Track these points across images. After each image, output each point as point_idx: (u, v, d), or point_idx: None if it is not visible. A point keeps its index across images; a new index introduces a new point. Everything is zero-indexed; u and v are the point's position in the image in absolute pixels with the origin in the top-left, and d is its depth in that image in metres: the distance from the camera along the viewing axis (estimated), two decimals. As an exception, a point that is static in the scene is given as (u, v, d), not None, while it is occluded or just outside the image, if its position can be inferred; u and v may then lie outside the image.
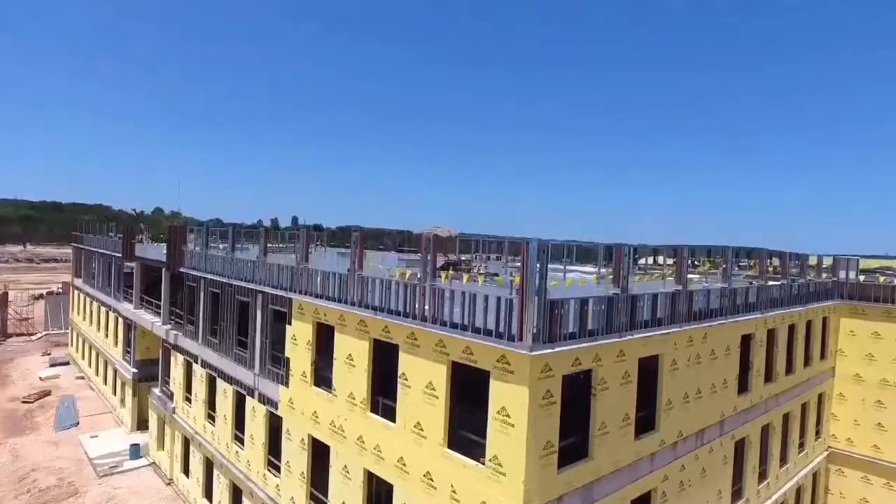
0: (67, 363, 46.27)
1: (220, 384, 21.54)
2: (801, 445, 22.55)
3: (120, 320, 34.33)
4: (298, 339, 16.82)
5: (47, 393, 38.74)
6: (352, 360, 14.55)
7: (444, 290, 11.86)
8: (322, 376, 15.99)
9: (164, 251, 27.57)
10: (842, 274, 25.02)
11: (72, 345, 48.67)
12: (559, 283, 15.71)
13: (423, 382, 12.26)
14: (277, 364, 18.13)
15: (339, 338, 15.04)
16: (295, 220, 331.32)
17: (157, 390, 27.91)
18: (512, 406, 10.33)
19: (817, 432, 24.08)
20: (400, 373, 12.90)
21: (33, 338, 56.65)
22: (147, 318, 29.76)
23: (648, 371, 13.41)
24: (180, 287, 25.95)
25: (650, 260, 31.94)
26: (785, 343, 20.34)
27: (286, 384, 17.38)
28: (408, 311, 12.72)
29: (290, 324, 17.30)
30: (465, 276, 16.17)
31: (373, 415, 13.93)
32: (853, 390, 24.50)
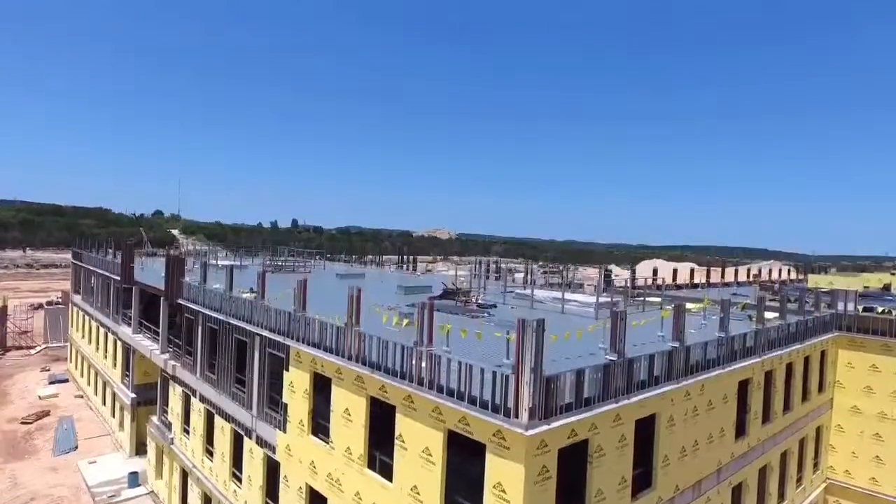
0: (66, 380, 46.26)
1: (218, 420, 21.55)
2: (800, 480, 22.56)
3: (118, 343, 34.33)
4: (296, 387, 16.82)
5: (46, 413, 38.74)
6: (349, 414, 14.55)
7: (440, 357, 11.87)
8: (320, 425, 15.99)
9: (164, 276, 27.49)
10: (840, 305, 25.04)
11: (71, 361, 48.69)
12: (560, 338, 15.63)
13: (420, 446, 12.26)
14: (275, 407, 18.13)
15: (336, 391, 15.05)
16: (295, 222, 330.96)
17: (155, 419, 27.92)
18: (508, 482, 10.34)
19: (815, 464, 24.09)
20: (397, 433, 12.91)
21: (32, 352, 56.65)
22: (146, 345, 29.74)
23: (645, 430, 13.42)
24: (179, 315, 25.96)
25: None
26: (783, 382, 20.36)
27: (284, 430, 17.38)
28: (404, 371, 12.73)
29: (287, 370, 17.31)
30: (463, 333, 16.09)
31: (370, 471, 13.94)
32: (851, 422, 24.52)
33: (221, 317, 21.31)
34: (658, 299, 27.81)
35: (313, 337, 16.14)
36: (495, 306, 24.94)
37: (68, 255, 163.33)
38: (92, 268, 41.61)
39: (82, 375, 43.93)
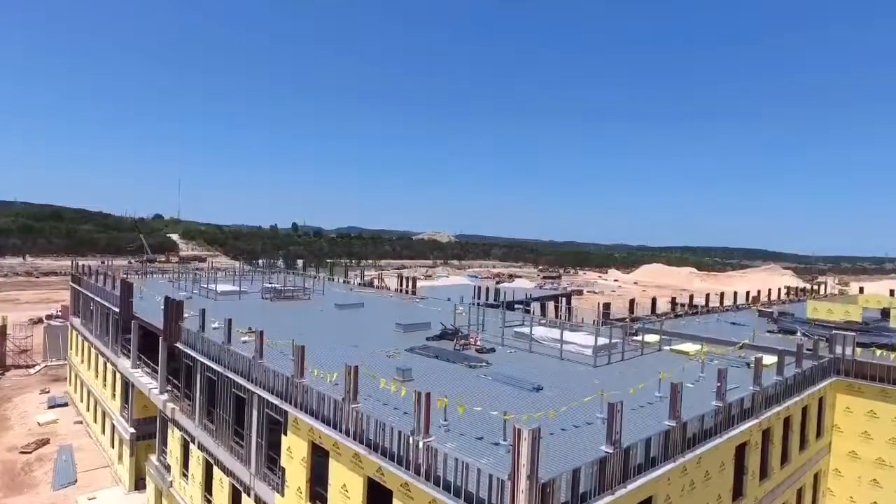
0: (66, 404, 46.29)
1: (217, 472, 21.58)
2: (797, 528, 22.59)
3: (117, 374, 34.35)
4: (294, 454, 16.84)
5: (45, 441, 38.76)
6: (346, 490, 14.58)
7: (437, 450, 11.89)
8: (319, 494, 16.01)
9: (163, 315, 27.45)
10: (838, 349, 25.04)
11: (70, 384, 48.73)
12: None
13: (417, 536, 12.28)
14: (274, 467, 18.15)
15: (334, 464, 15.07)
16: (295, 226, 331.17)
17: (154, 458, 27.94)
18: (504, 588, 10.36)
19: (813, 510, 24.13)
20: (394, 519, 12.93)
21: (32, 371, 56.68)
22: (144, 382, 29.77)
23: (642, 513, 13.43)
24: (179, 354, 25.94)
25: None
26: (780, 437, 20.37)
27: (282, 493, 17.40)
28: (402, 456, 12.75)
29: (285, 434, 17.33)
30: (461, 410, 16.14)
31: (368, 551, 13.96)
32: (849, 467, 24.55)
33: (220, 368, 21.33)
34: (656, 338, 27.79)
35: (311, 404, 16.15)
36: (494, 350, 24.96)
37: (68, 262, 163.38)
38: (91, 295, 41.61)
39: (81, 400, 43.97)
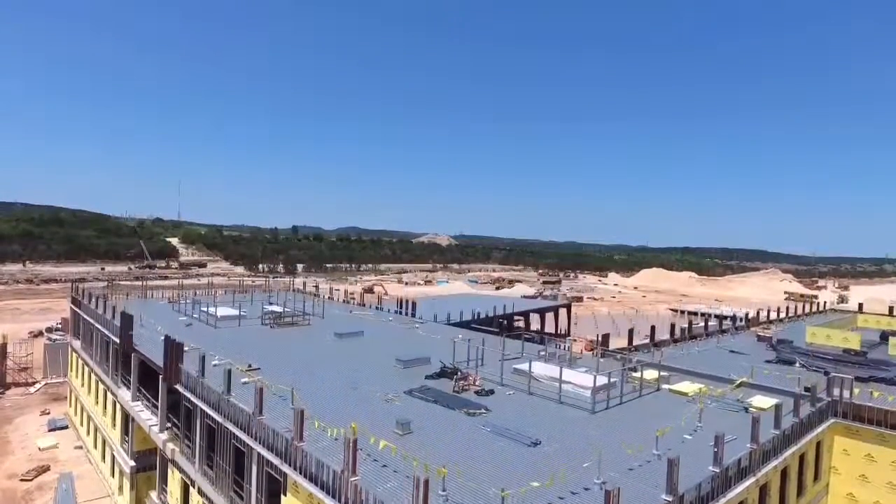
0: (66, 426, 46.38)
1: (217, 520, 21.64)
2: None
3: (118, 405, 34.42)
4: (293, 516, 16.92)
5: (46, 468, 38.85)
6: (346, 562, 14.64)
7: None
8: (318, 559, 16.06)
9: (163, 355, 27.50)
10: (836, 392, 25.13)
11: (70, 405, 48.81)
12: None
13: None
14: (273, 524, 18.22)
15: (333, 534, 15.13)
16: (295, 229, 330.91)
17: (155, 496, 28.02)
18: None
19: (811, 553, 24.18)
20: None
21: (32, 389, 56.77)
22: (144, 417, 29.85)
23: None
24: (179, 395, 25.99)
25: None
26: (778, 489, 20.44)
27: (282, 553, 17.48)
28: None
29: (285, 494, 17.41)
30: (459, 475, 16.21)
31: None
32: (847, 509, 24.64)
33: (220, 418, 21.40)
34: (655, 374, 27.85)
35: (310, 468, 16.22)
36: (493, 392, 25.04)
37: (68, 269, 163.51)
38: (91, 320, 41.67)
39: (81, 424, 44.05)
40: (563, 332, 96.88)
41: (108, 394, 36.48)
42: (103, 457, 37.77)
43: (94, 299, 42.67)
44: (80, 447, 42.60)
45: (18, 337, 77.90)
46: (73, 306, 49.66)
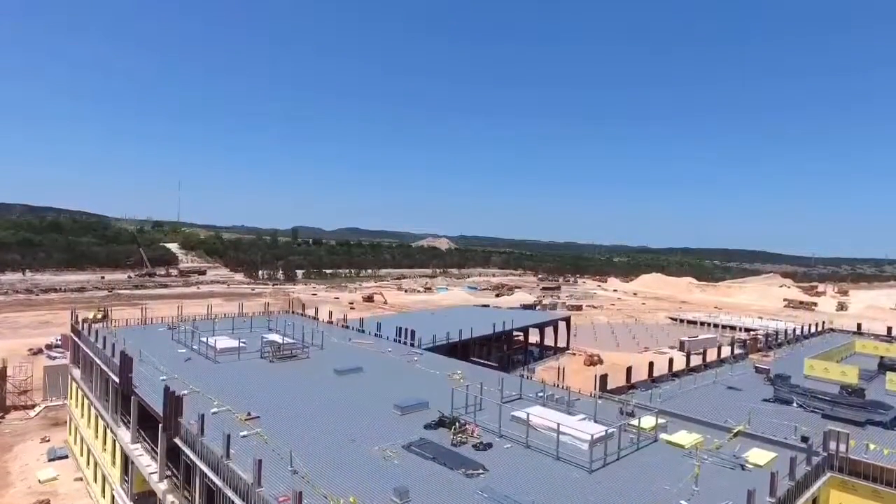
0: (66, 456, 46.46)
1: (216, 582, 21.74)
2: None
3: (117, 445, 34.48)
4: None
5: (46, 503, 38.93)
6: None
7: None
8: None
9: (162, 404, 27.56)
10: (832, 445, 25.23)
11: (69, 433, 48.89)
12: None
13: None
14: None
15: None
16: (295, 232, 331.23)
17: (154, 543, 28.10)
18: None
19: None
20: None
21: (32, 413, 56.82)
22: (143, 462, 29.93)
23: None
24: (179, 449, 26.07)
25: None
26: (774, 556, 20.53)
27: None
28: None
29: (283, 571, 17.51)
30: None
31: None
32: (843, 564, 24.75)
33: (219, 482, 21.50)
34: (652, 421, 27.96)
35: (309, 550, 16.32)
36: (491, 446, 25.15)
37: (68, 278, 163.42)
38: (91, 353, 41.73)
39: (81, 454, 44.14)
40: (562, 344, 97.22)
41: (108, 431, 36.55)
42: (103, 492, 37.85)
43: (93, 331, 42.67)
44: (80, 479, 42.68)
45: (18, 354, 78.15)
46: (73, 335, 49.74)
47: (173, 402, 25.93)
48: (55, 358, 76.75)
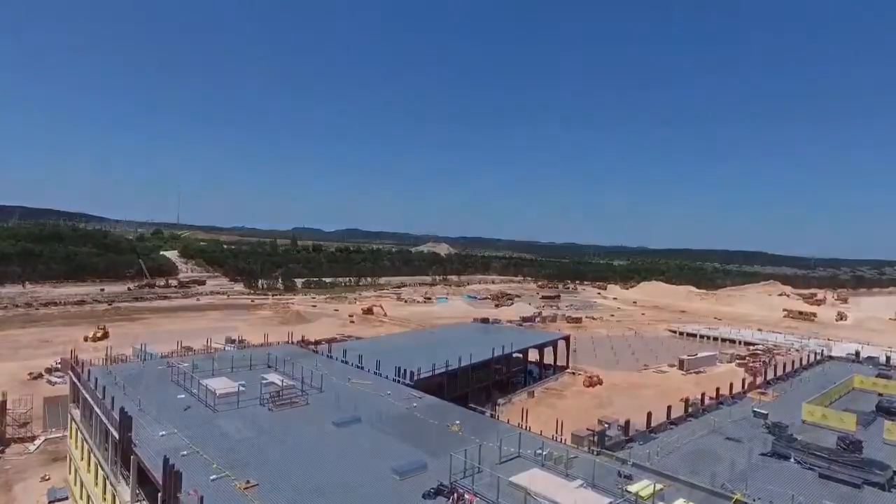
0: (66, 497, 46.55)
1: None
2: None
3: (117, 500, 34.56)
4: None
5: (46, 552, 39.06)
6: None
7: None
8: None
9: (161, 473, 27.64)
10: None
11: (69, 472, 48.95)
12: None
13: None
14: None
15: None
16: (294, 239, 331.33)
17: None
18: None
19: None
20: None
21: (32, 447, 56.87)
22: (144, 525, 30.01)
23: None
24: None
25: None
26: None
27: None
28: None
29: None
30: None
31: None
32: None
33: (218, 571, 21.58)
34: (650, 489, 28.04)
35: None
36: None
37: (67, 290, 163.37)
38: (91, 401, 41.75)
39: (81, 497, 44.19)
40: (562, 363, 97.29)
41: (108, 483, 36.63)
42: (103, 543, 37.93)
43: (95, 381, 42.50)
44: (80, 524, 42.78)
45: (18, 379, 78.34)
46: (72, 374, 49.82)
47: (173, 476, 26.01)
48: (55, 384, 76.86)
